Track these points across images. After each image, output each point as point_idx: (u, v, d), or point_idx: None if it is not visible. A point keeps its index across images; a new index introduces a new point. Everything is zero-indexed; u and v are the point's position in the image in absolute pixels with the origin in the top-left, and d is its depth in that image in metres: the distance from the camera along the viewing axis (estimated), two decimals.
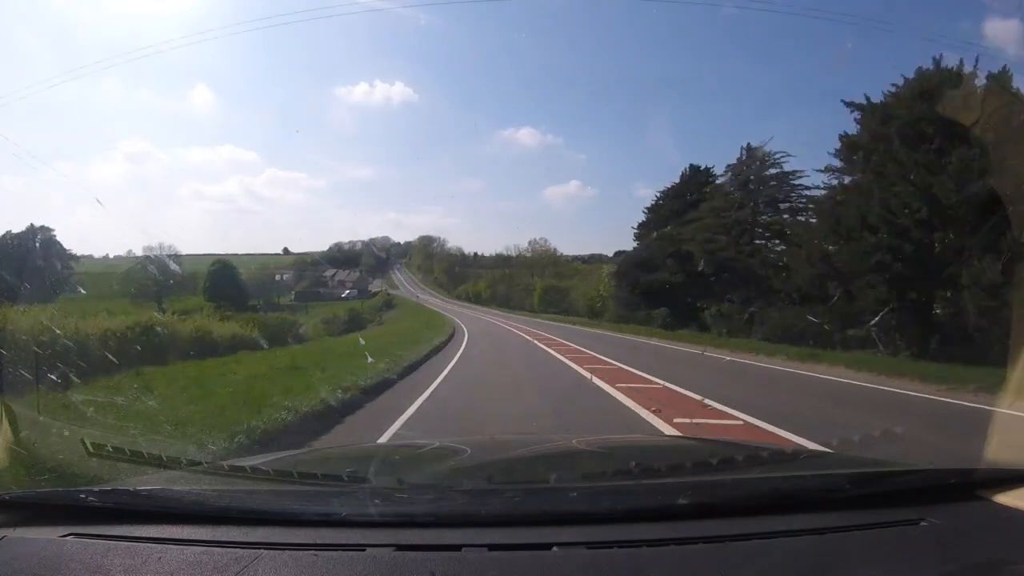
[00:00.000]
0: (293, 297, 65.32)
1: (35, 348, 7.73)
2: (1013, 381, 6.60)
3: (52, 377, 7.09)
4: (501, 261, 74.08)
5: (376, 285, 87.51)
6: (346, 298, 66.81)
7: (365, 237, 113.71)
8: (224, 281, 45.36)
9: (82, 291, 34.43)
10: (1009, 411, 6.36)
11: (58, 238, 46.87)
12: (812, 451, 2.11)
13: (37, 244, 44.33)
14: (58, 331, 9.75)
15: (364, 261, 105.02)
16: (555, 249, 74.30)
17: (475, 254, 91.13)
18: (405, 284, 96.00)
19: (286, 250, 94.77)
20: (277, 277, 77.69)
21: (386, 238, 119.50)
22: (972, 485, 1.31)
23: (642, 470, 1.60)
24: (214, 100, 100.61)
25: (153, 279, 42.94)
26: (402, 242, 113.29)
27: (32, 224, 45.87)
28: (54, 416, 5.39)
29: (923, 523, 1.17)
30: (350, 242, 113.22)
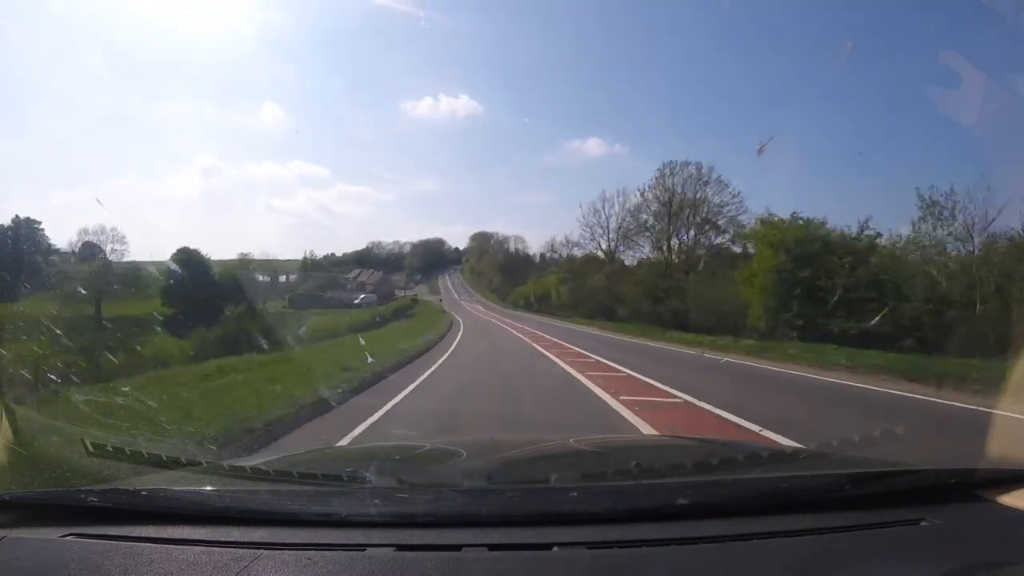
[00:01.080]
0: (287, 303, 53.03)
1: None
2: None
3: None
4: (581, 260, 44.42)
5: (418, 290, 77.39)
6: (359, 304, 55.24)
7: (415, 239, 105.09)
8: (187, 280, 33.38)
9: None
10: None
11: (46, 232, 42.15)
12: (812, 451, 2.11)
13: (20, 238, 40.39)
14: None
15: (408, 264, 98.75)
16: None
17: (541, 255, 72.61)
18: (451, 289, 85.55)
19: (332, 255, 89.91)
20: (283, 278, 66.91)
21: (438, 240, 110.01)
22: (972, 485, 1.31)
23: (642, 470, 1.60)
24: (283, 116, 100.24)
25: (87, 275, 32.14)
26: (462, 248, 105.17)
27: (17, 216, 41.60)
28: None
29: (923, 523, 1.17)
30: (393, 242, 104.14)
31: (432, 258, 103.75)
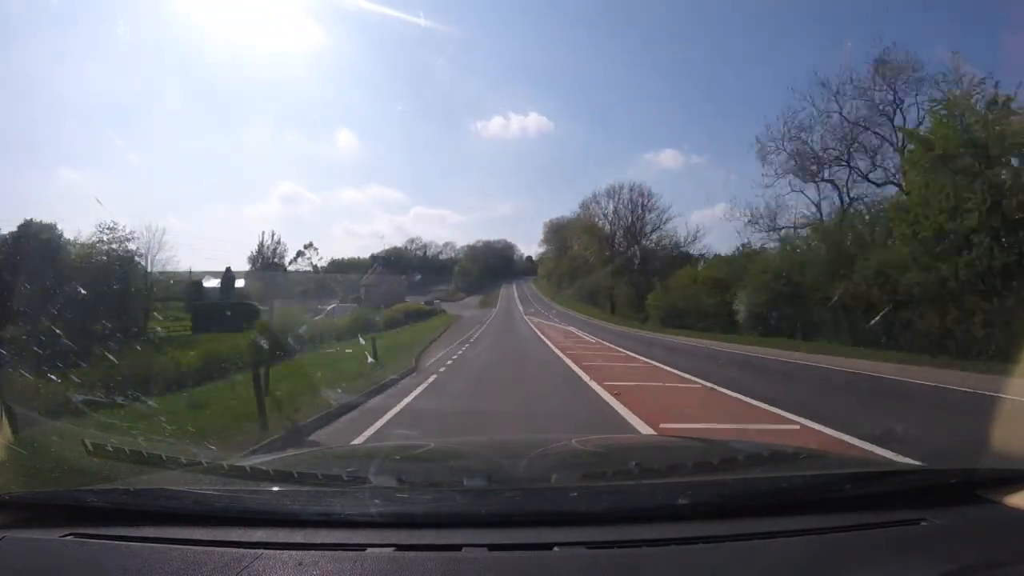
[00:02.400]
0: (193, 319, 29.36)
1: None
2: None
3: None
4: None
5: (467, 301, 58.84)
6: (327, 316, 29.27)
7: (472, 240, 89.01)
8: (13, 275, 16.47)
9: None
10: None
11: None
12: (812, 451, 2.12)
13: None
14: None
15: (462, 268, 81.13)
16: None
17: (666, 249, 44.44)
18: (516, 300, 61.25)
19: (373, 256, 76.22)
20: (240, 283, 43.57)
21: (506, 244, 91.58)
22: (972, 485, 1.31)
23: (642, 470, 1.61)
24: (357, 142, 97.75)
25: None
26: (535, 257, 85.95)
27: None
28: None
29: (923, 523, 1.17)
30: (445, 244, 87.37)
31: (496, 264, 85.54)
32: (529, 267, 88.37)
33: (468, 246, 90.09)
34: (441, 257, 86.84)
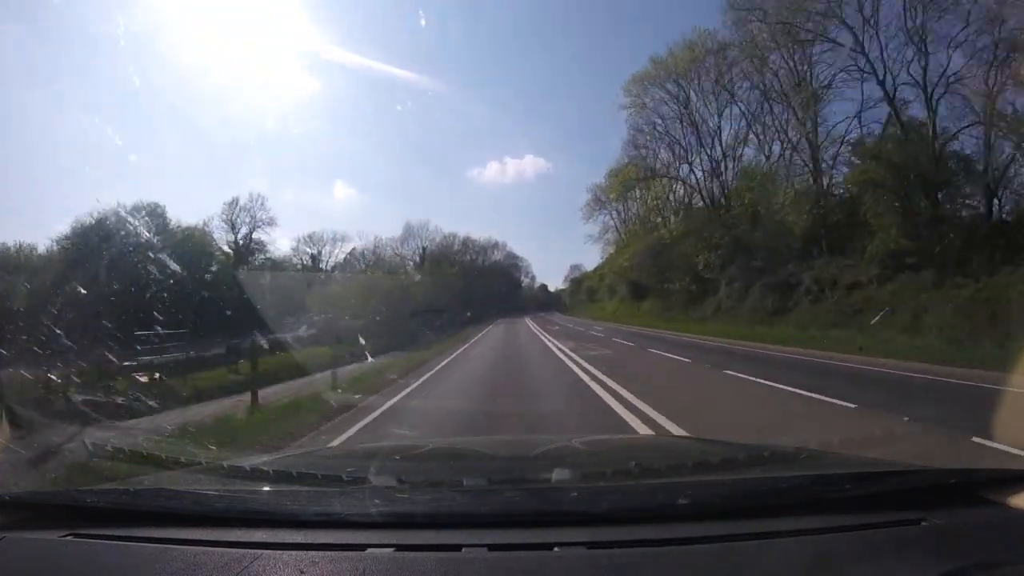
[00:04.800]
0: None
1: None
2: None
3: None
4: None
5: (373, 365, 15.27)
6: None
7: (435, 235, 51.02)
8: None
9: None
10: None
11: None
12: (812, 451, 2.11)
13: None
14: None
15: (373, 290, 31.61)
16: None
17: None
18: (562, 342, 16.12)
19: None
20: None
21: (509, 252, 62.26)
22: (973, 485, 1.31)
23: (642, 470, 1.61)
24: (355, 195, 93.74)
25: None
26: (553, 290, 68.73)
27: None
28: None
29: (923, 523, 1.17)
30: (377, 239, 49.34)
31: (489, 276, 56.33)
32: (548, 300, 65.03)
33: (428, 250, 50.40)
34: (390, 264, 46.08)
